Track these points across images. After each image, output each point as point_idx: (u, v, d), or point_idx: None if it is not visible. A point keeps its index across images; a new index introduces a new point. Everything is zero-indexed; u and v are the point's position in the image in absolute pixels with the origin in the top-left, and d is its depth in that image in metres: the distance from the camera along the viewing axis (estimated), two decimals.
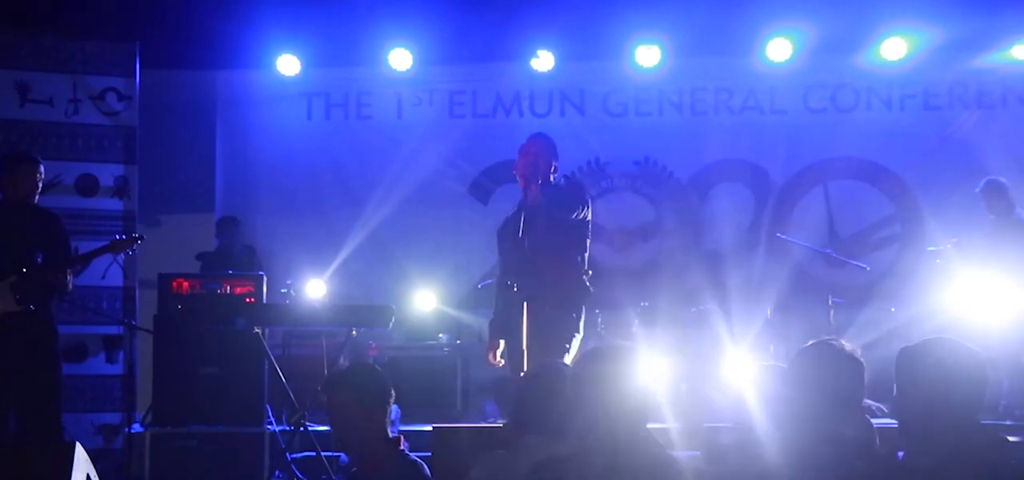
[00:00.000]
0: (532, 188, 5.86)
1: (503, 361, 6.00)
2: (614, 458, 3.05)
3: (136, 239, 7.10)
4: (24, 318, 6.43)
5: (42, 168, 6.80)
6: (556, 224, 5.86)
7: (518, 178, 6.02)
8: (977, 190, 8.15)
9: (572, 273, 5.95)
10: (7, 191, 6.70)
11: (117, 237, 7.17)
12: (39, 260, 6.53)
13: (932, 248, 8.60)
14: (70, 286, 6.68)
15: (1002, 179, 8.17)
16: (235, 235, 9.48)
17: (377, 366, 4.09)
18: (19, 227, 6.59)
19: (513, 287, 5.68)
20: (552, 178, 6.03)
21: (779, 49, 9.42)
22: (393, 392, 4.00)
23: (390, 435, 3.98)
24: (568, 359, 5.74)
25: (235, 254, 9.31)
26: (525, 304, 5.61)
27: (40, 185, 6.79)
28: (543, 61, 9.61)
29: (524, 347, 5.52)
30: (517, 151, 6.09)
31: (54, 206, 7.27)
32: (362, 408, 3.90)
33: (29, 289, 6.44)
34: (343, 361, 7.42)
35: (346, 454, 6.44)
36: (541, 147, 6.02)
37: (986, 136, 9.56)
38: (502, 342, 6.01)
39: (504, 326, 5.91)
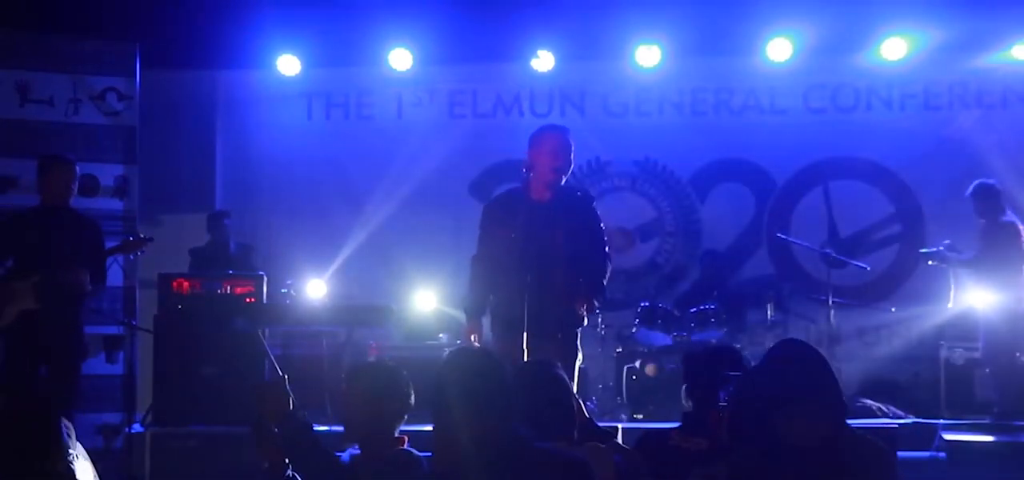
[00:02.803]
0: (544, 189, 5.61)
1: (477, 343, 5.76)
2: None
3: (146, 240, 7.14)
4: (46, 319, 6.47)
5: (77, 169, 6.84)
6: (572, 233, 5.64)
7: (542, 172, 5.60)
8: (966, 194, 8.17)
9: (592, 280, 5.72)
10: (42, 193, 6.76)
11: (130, 238, 7.20)
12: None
13: (924, 249, 8.62)
14: (88, 288, 6.70)
15: (991, 181, 8.17)
16: (227, 230, 9.34)
17: (403, 371, 4.08)
18: (51, 229, 6.64)
19: (520, 279, 5.47)
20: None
21: (779, 49, 9.42)
22: (413, 401, 4.02)
23: (395, 436, 3.99)
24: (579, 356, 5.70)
25: (230, 252, 9.21)
26: (528, 307, 5.43)
27: (74, 187, 6.84)
28: (543, 61, 9.61)
29: (524, 345, 5.41)
30: (543, 142, 5.66)
31: None
32: (376, 404, 3.92)
33: (49, 290, 6.47)
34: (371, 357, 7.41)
35: (351, 449, 6.44)
36: (570, 147, 5.69)
37: (986, 136, 9.55)
38: (484, 323, 5.82)
39: (504, 315, 5.61)
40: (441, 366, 3.25)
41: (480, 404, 3.12)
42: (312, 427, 3.90)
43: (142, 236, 7.34)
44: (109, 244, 7.09)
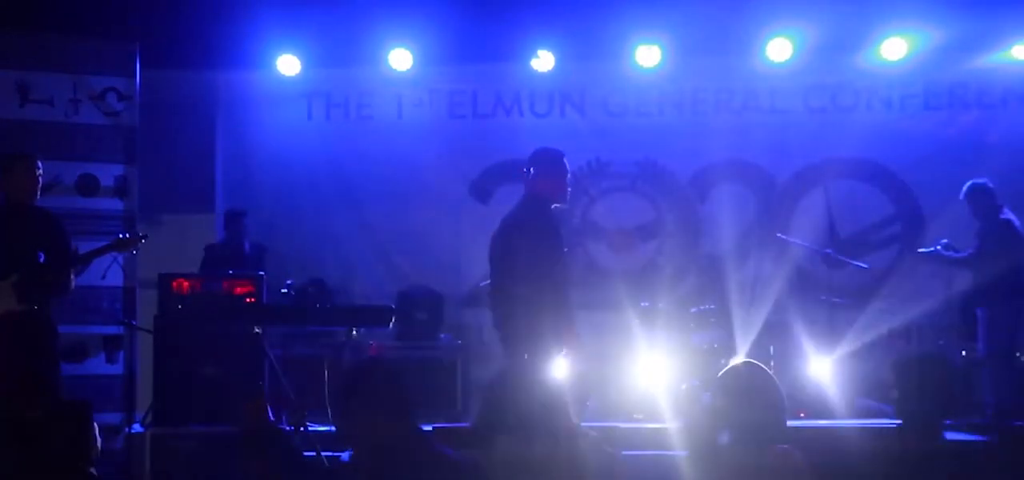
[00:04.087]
0: None
1: None
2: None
3: (140, 238, 7.11)
4: (25, 317, 6.44)
5: (40, 164, 6.81)
6: None
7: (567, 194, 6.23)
8: (961, 197, 8.16)
9: None
10: (7, 191, 6.72)
11: (121, 236, 7.18)
12: (41, 259, 6.55)
13: (921, 249, 8.62)
14: (72, 285, 6.69)
15: (983, 181, 8.17)
16: (244, 229, 9.40)
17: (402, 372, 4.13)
18: (19, 227, 6.60)
19: None
20: None
21: (779, 49, 9.42)
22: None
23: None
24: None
25: (245, 252, 9.26)
26: None
27: (40, 181, 6.80)
28: (543, 61, 9.61)
29: None
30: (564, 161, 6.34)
31: (54, 206, 7.27)
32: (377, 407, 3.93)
33: (31, 288, 6.45)
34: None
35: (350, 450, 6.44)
36: None
37: (986, 136, 9.56)
38: None
39: None
40: (349, 372, 3.67)
41: (387, 406, 3.41)
42: (285, 434, 3.95)
43: (133, 235, 7.31)
44: (101, 243, 7.06)
